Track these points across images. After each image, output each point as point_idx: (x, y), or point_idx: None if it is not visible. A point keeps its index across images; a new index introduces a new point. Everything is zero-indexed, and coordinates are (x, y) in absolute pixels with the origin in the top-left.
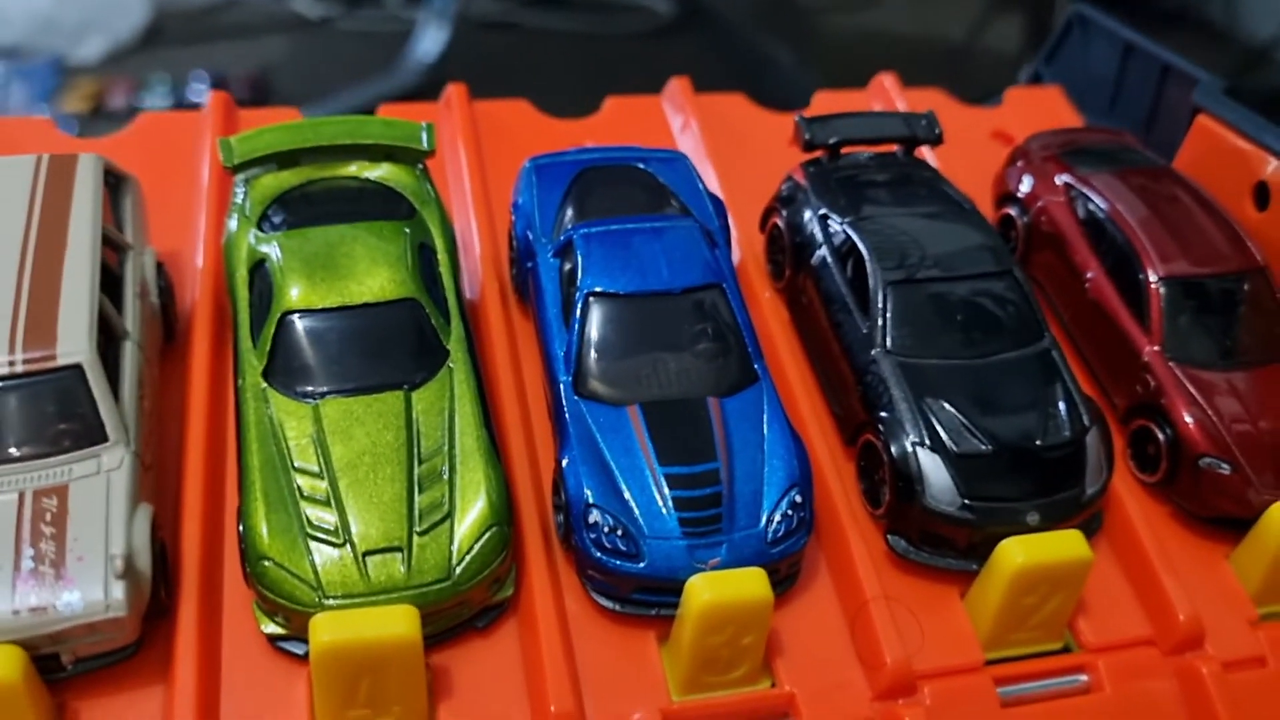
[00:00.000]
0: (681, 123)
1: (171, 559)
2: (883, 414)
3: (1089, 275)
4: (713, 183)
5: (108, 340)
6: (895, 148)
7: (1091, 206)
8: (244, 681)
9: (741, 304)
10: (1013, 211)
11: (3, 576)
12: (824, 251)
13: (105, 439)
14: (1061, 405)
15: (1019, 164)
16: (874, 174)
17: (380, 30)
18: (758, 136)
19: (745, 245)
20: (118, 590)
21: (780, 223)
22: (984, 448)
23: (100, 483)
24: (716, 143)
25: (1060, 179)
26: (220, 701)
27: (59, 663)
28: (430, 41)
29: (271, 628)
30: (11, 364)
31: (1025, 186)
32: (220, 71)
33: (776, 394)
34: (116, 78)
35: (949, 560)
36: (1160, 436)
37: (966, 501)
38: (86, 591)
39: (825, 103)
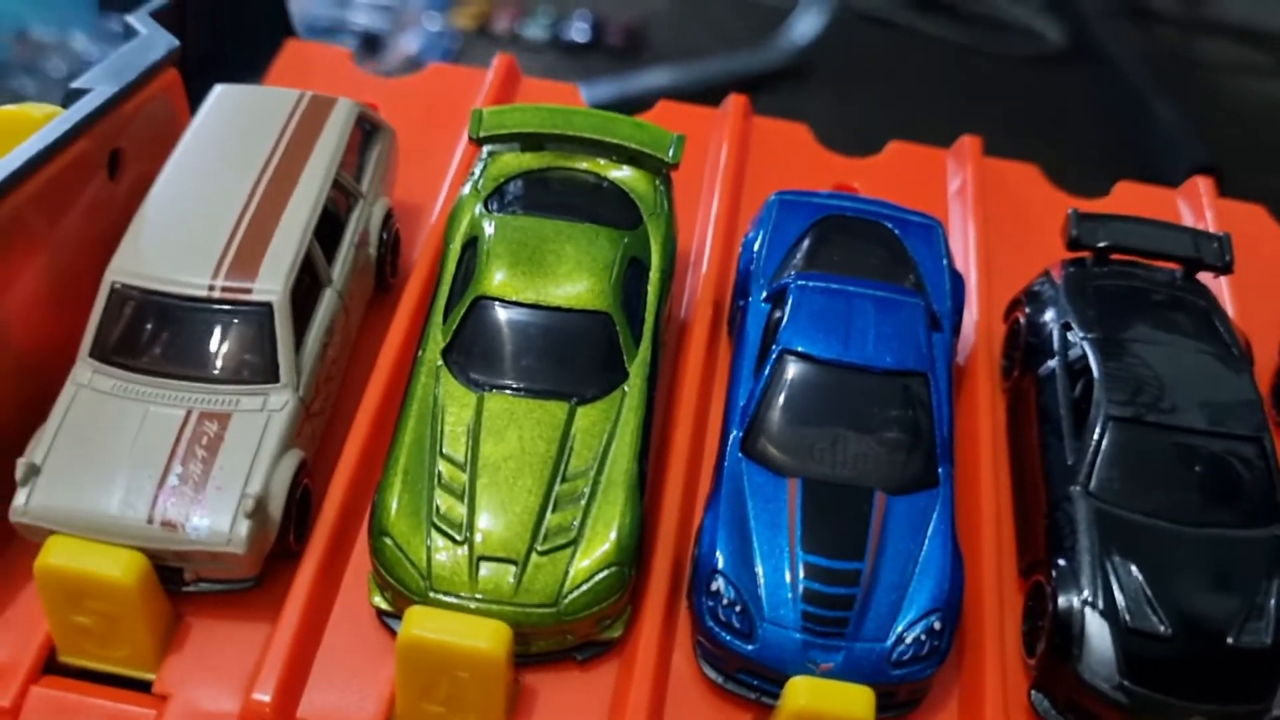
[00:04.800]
0: (959, 184)
1: (314, 506)
2: (1060, 559)
3: None
4: (971, 257)
5: (310, 284)
6: (1175, 266)
7: None
8: (343, 644)
9: (946, 399)
10: None
11: (148, 486)
12: (1055, 363)
13: (276, 380)
14: (1273, 604)
15: None
16: (1138, 290)
17: (762, 2)
18: (1038, 217)
19: (984, 333)
20: (242, 528)
21: (1022, 318)
22: (1162, 629)
23: (260, 420)
24: (990, 214)
25: None
26: (316, 655)
27: (183, 578)
28: (807, 24)
29: (380, 601)
30: (211, 289)
31: None
32: (601, 15)
33: (952, 505)
34: (506, 2)
35: None
36: None
37: (1125, 684)
38: (215, 521)
39: (1126, 195)
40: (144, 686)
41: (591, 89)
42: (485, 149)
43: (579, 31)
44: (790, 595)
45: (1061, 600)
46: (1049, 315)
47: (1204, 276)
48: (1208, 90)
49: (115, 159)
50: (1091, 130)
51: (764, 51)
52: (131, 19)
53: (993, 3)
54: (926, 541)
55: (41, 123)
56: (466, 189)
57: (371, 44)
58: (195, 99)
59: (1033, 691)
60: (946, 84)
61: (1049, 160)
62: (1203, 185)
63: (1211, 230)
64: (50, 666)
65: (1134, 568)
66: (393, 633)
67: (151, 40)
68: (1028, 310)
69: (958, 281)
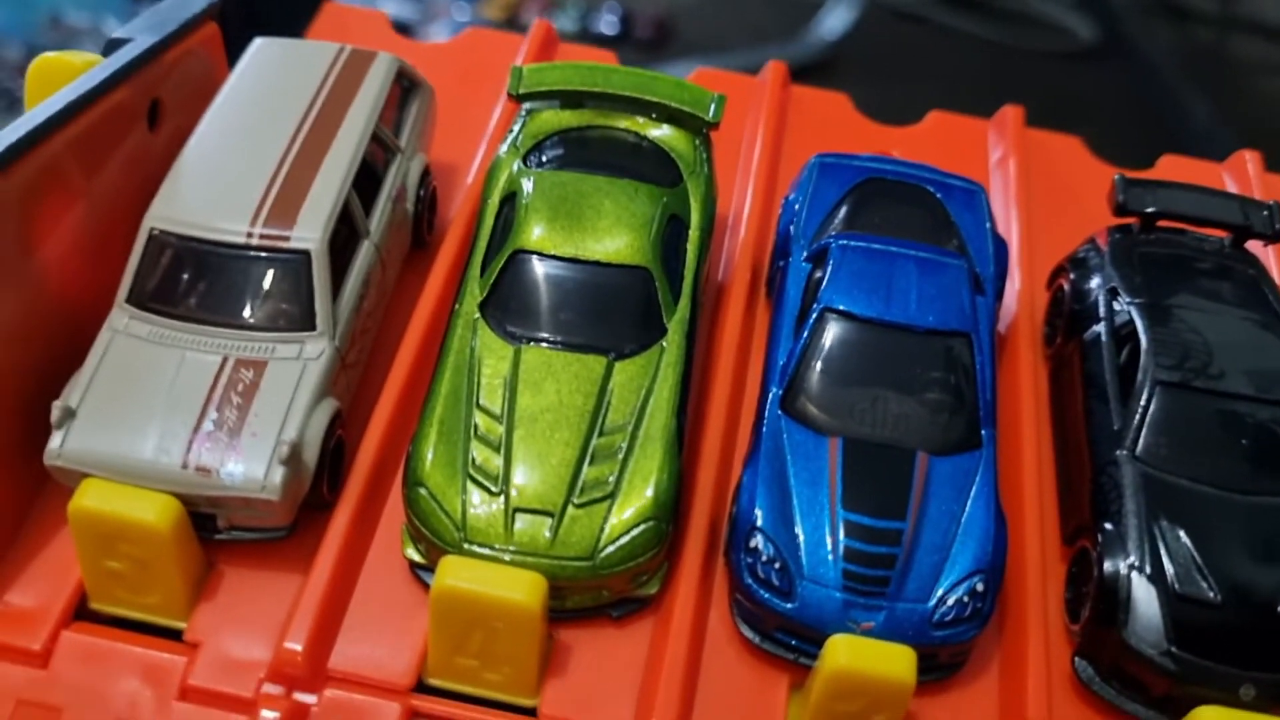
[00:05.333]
0: (1001, 154)
1: (349, 458)
2: (1106, 524)
3: None
4: (1013, 226)
5: (348, 235)
6: (1223, 234)
7: None
8: (376, 595)
9: (989, 361)
10: None
11: (184, 431)
12: (1101, 328)
13: (313, 329)
14: None
15: None
16: (1185, 257)
17: None
18: (1081, 187)
19: (1026, 301)
20: (277, 475)
21: (1066, 285)
22: (1211, 595)
23: (295, 368)
24: (1032, 184)
25: None
26: (348, 606)
27: (216, 525)
28: (837, 19)
29: (413, 553)
30: (249, 235)
31: None
32: (630, 7)
33: (995, 467)
34: None
35: (1136, 706)
36: None
37: (1173, 650)
38: (249, 467)
39: (1170, 168)
40: (175, 635)
41: None
42: (524, 106)
43: (608, 24)
44: (830, 554)
45: (1108, 565)
46: (1094, 281)
47: (1253, 245)
48: (1241, 88)
49: (155, 110)
50: (1121, 127)
51: (793, 46)
52: None
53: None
54: (969, 503)
55: (82, 70)
56: (505, 146)
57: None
58: (233, 58)
59: (1076, 658)
60: (976, 80)
61: None
62: (1250, 158)
63: None
64: (81, 613)
65: (1182, 533)
66: (425, 585)
67: None
68: (1072, 277)
69: (1001, 246)
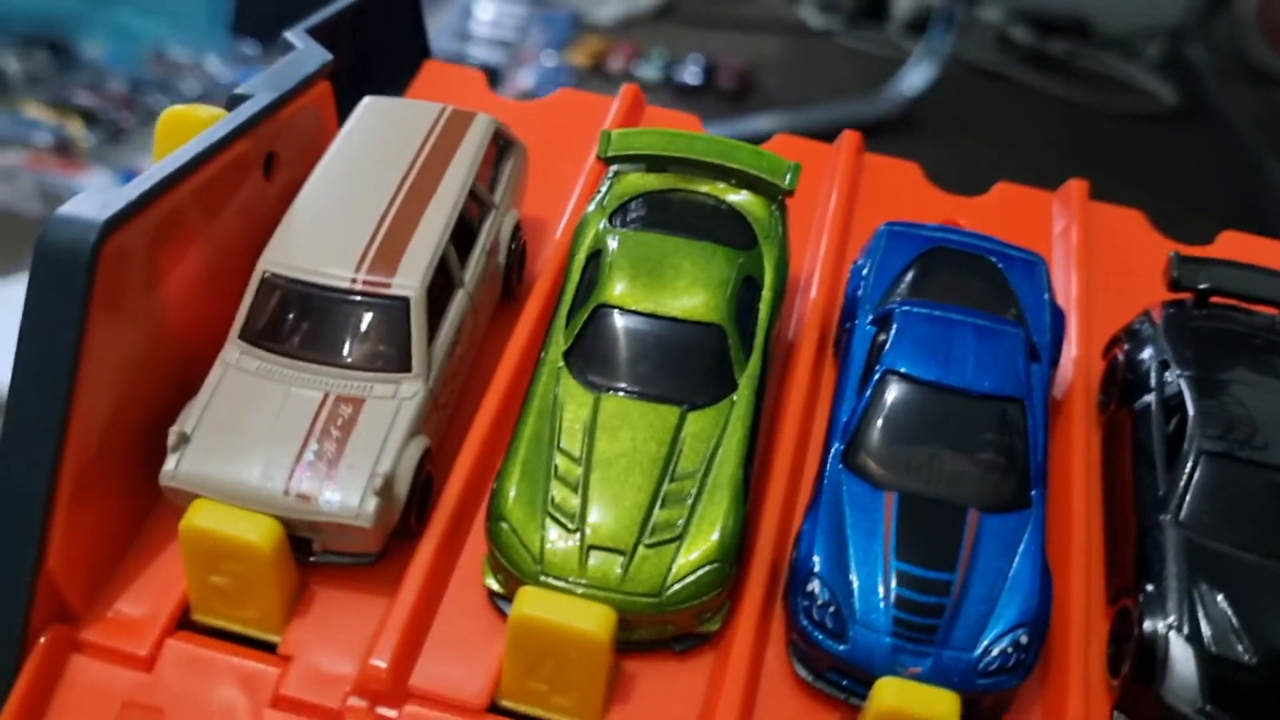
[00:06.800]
0: (1064, 226)
1: (435, 492)
2: (1148, 585)
3: None
4: (1073, 295)
5: (444, 284)
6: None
7: None
8: (455, 620)
9: (1041, 425)
10: None
11: (287, 460)
12: (1151, 398)
13: (409, 370)
14: None
15: None
16: (1236, 332)
17: (873, 53)
18: (1141, 261)
19: (1083, 368)
20: (370, 505)
21: (1121, 355)
22: (1246, 658)
23: (391, 407)
24: (1093, 255)
25: None
26: (430, 630)
27: (311, 548)
28: (917, 76)
29: (492, 583)
30: (354, 281)
31: None
32: (714, 58)
33: (1043, 527)
34: (622, 42)
35: None
36: None
37: (1207, 708)
38: (345, 496)
39: (1230, 244)
40: (269, 648)
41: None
42: (612, 168)
43: (691, 74)
44: (882, 601)
45: (1147, 624)
46: (1147, 353)
47: None
48: None
49: (270, 161)
50: (1201, 191)
51: (873, 101)
52: (290, 35)
53: (1106, 60)
54: (1017, 559)
55: (207, 123)
56: (593, 205)
57: (490, 78)
58: (341, 112)
59: (1115, 711)
60: (1055, 140)
61: (1155, 219)
62: None
63: None
64: (183, 623)
65: (1220, 597)
66: (502, 614)
67: (307, 54)
68: (1126, 348)
69: (1058, 316)
